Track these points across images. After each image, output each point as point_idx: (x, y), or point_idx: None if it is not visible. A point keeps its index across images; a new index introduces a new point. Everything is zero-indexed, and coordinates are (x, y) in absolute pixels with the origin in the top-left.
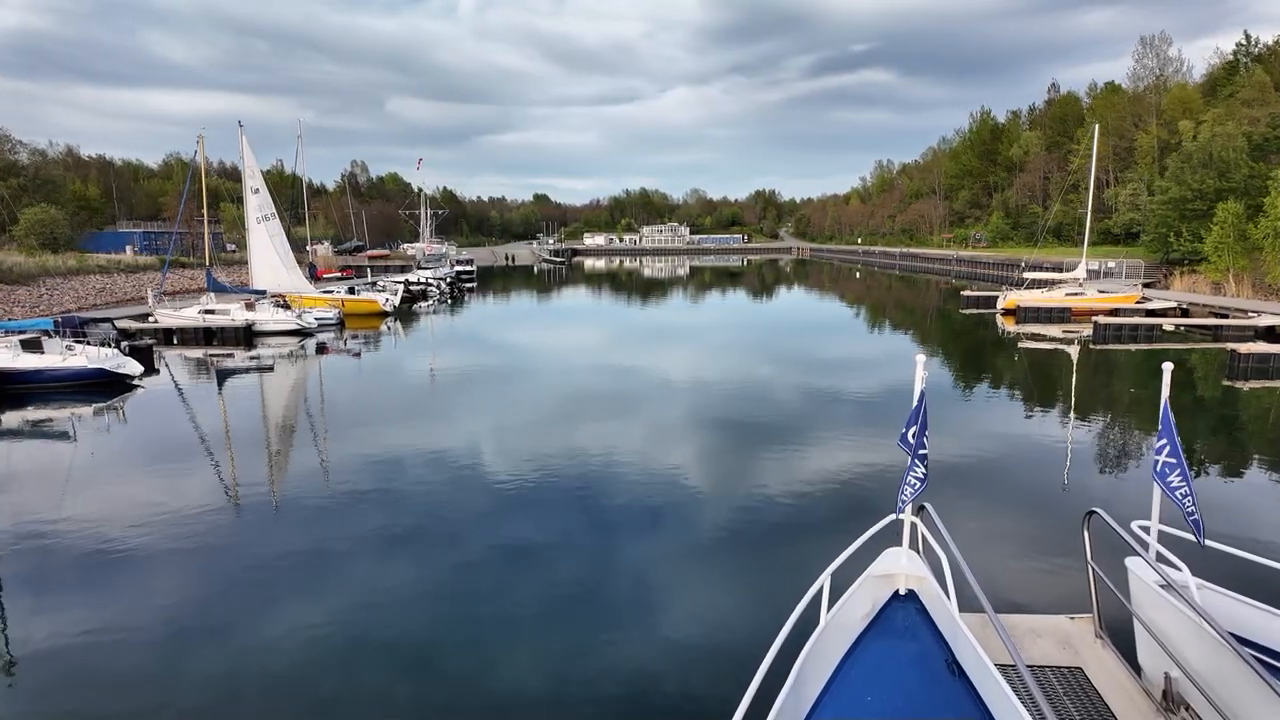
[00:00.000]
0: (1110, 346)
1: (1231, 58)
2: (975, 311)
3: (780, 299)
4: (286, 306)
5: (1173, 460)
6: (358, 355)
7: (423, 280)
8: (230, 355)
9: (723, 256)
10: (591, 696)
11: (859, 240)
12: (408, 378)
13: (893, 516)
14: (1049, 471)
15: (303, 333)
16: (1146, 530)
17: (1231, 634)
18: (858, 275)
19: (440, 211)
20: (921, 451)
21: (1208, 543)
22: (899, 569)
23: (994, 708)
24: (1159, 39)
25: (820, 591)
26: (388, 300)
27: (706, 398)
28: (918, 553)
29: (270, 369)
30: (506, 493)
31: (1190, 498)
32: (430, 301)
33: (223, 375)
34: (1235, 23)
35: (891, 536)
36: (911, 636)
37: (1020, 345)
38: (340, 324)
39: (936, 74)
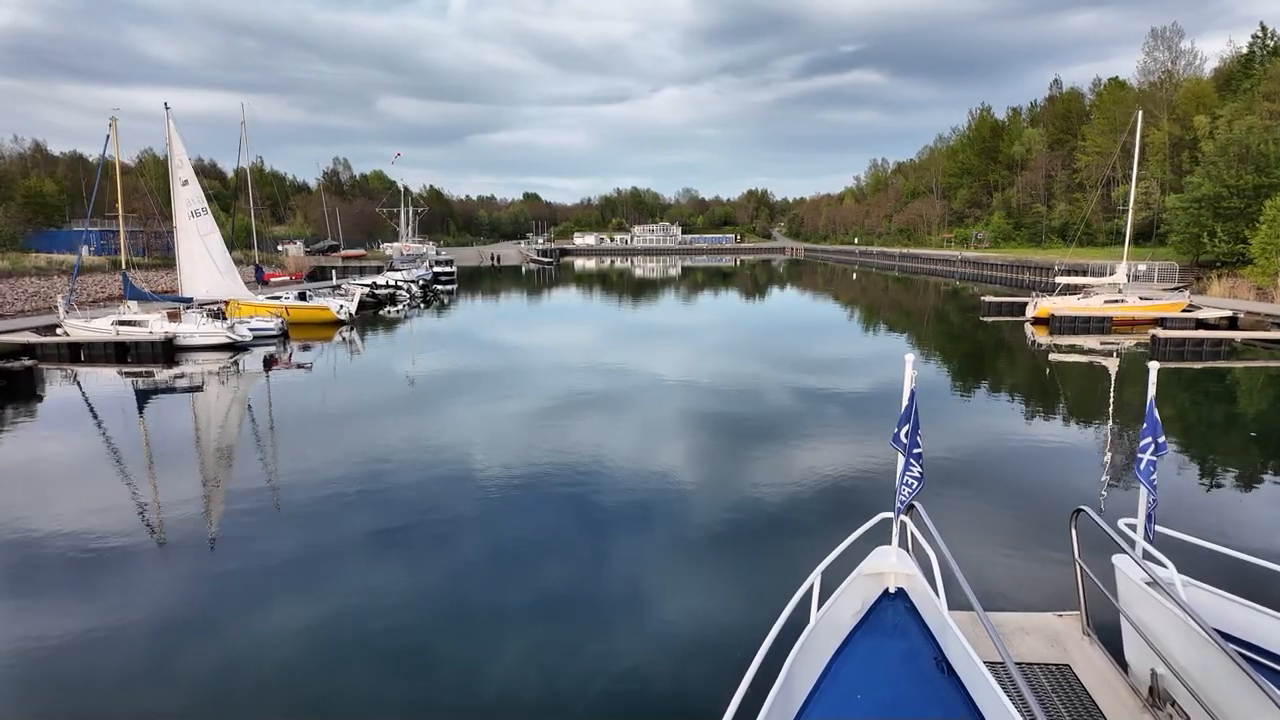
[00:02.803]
0: (1171, 364)
1: (1246, 51)
2: (999, 320)
3: (777, 301)
4: (221, 316)
5: (1155, 459)
6: (307, 367)
7: (391, 283)
8: (147, 374)
9: (715, 256)
10: (582, 695)
11: (855, 240)
12: (360, 396)
13: (884, 516)
14: (1040, 471)
15: (234, 347)
16: (1133, 528)
17: (1217, 630)
18: (854, 276)
19: (421, 209)
20: (916, 451)
21: (1196, 539)
22: (889, 567)
23: (983, 705)
24: (1170, 31)
25: (810, 590)
26: (342, 307)
27: (703, 406)
28: (907, 551)
29: (187, 390)
30: (487, 505)
31: (1154, 502)
32: (400, 306)
33: (122, 401)
34: (1221, 24)
35: (881, 535)
36: (901, 635)
37: (1059, 359)
38: (283, 335)
39: (925, 75)
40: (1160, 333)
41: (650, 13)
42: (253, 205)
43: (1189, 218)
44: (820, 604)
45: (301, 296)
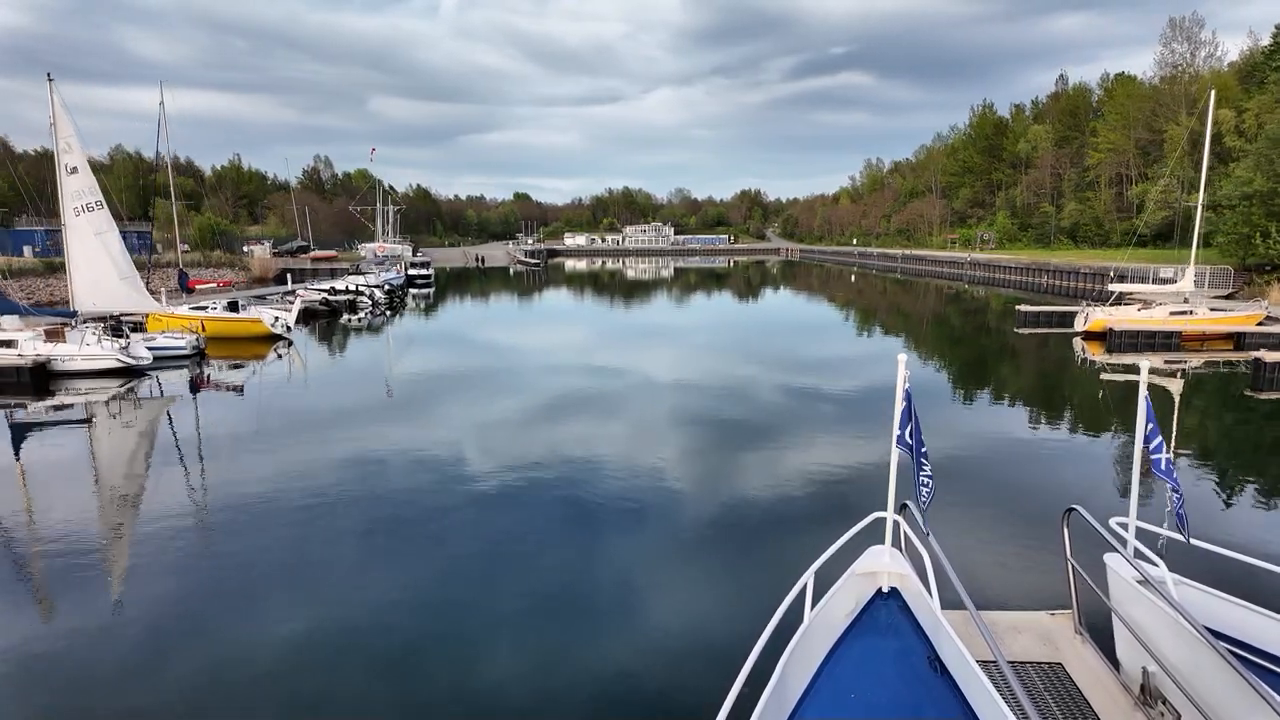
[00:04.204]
0: (1274, 395)
1: (1270, 43)
2: (1038, 333)
3: (774, 307)
4: (118, 332)
5: (1169, 456)
6: (232, 390)
7: (352, 288)
8: (19, 407)
9: (708, 258)
10: (575, 696)
11: (854, 241)
12: (281, 429)
13: (877, 515)
14: (1031, 470)
15: (129, 371)
16: (1125, 527)
17: (1207, 629)
18: (853, 279)
19: (399, 207)
20: (923, 450)
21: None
22: (882, 567)
23: (976, 704)
24: (1190, 21)
25: (804, 590)
26: (278, 319)
27: (701, 436)
28: (900, 551)
29: (44, 426)
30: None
31: (1180, 493)
32: (362, 314)
33: None
34: (1208, 27)
35: (875, 535)
36: (894, 634)
37: (1116, 380)
38: (198, 354)
39: (913, 77)
40: (1266, 356)
41: (641, 14)
42: (174, 199)
43: (1238, 216)
44: (814, 603)
45: (232, 306)
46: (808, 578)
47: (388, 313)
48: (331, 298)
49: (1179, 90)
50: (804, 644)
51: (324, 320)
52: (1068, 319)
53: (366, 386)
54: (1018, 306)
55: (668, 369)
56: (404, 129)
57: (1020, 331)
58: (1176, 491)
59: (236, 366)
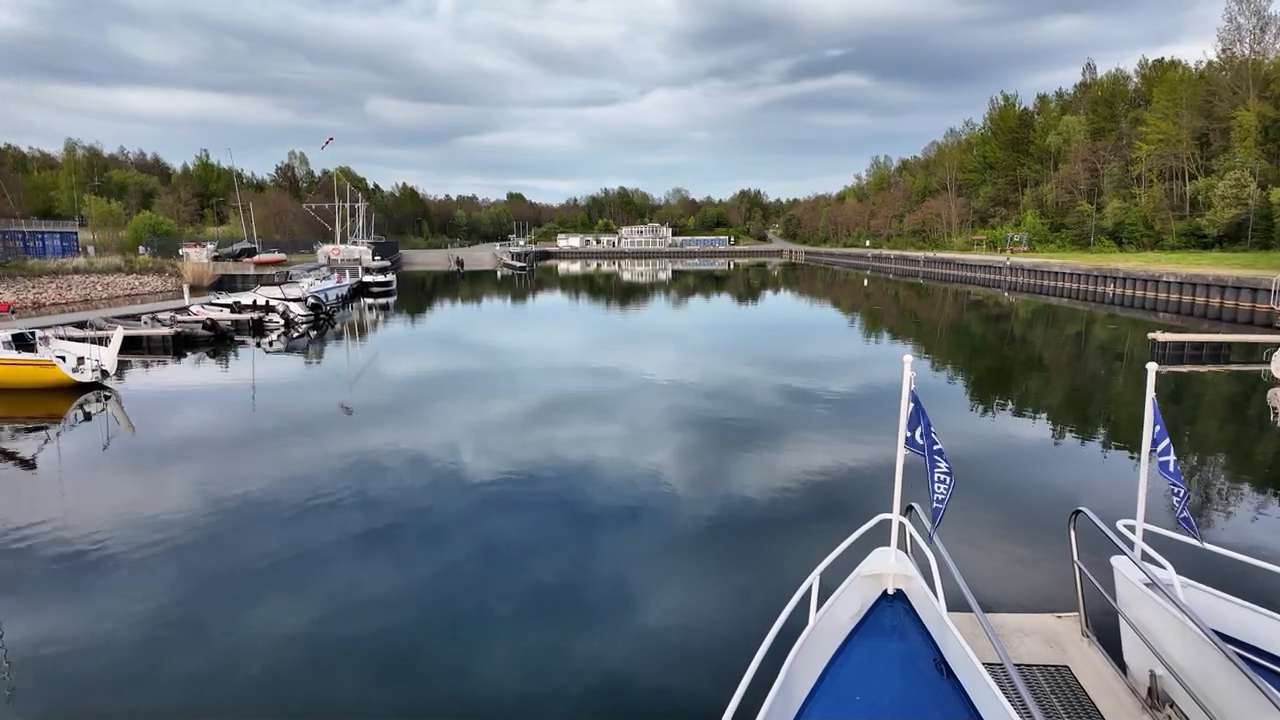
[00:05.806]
0: None
1: None
2: (1187, 370)
3: (800, 322)
4: None
5: (1171, 459)
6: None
7: (260, 303)
8: None
9: (707, 260)
10: (577, 699)
11: (866, 243)
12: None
13: (882, 517)
14: (1036, 472)
15: None
16: (1132, 529)
17: (1215, 631)
18: (865, 284)
19: (360, 203)
20: (937, 447)
21: (1194, 540)
22: (887, 569)
23: (982, 707)
24: None
25: (809, 592)
26: (88, 362)
27: None
28: (906, 553)
29: None
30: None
31: (1184, 496)
32: (272, 337)
33: None
34: (1198, 31)
35: (880, 536)
36: (900, 636)
37: None
38: None
39: (909, 79)
40: None
41: (637, 16)
42: None
43: None
44: (819, 605)
45: (20, 341)
46: (813, 580)
47: (311, 333)
48: (233, 316)
49: (1245, 71)
50: (809, 646)
51: (208, 348)
52: (1226, 353)
53: (218, 471)
54: (1150, 335)
55: (666, 389)
56: (401, 131)
57: (1159, 370)
58: (1177, 494)
59: (32, 430)
